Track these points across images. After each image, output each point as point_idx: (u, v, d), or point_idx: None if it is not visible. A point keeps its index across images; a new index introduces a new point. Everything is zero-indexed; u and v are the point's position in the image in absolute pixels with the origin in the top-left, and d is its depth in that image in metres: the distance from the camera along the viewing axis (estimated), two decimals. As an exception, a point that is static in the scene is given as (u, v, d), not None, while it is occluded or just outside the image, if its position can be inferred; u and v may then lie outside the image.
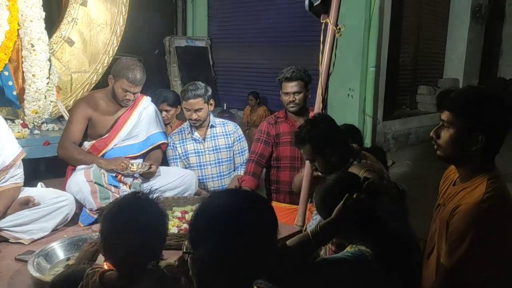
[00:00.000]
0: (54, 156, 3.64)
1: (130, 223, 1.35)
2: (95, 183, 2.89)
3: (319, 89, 2.67)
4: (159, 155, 3.33)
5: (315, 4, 2.72)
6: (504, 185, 1.67)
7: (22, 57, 3.75)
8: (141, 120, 3.25)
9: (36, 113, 3.82)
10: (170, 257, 1.52)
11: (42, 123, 4.02)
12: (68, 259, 2.32)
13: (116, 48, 4.66)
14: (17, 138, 2.84)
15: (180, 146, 3.43)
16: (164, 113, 3.77)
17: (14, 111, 3.94)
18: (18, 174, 2.58)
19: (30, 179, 2.89)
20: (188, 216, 2.67)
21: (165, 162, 3.42)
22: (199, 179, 3.34)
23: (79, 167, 3.03)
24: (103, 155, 3.13)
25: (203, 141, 3.44)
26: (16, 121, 3.86)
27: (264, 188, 3.44)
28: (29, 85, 3.74)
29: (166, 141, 3.37)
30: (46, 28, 3.89)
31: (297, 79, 3.18)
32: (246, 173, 3.27)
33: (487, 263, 1.58)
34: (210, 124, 3.46)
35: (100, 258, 1.95)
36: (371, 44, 6.66)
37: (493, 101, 1.66)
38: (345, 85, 6.61)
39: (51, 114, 4.10)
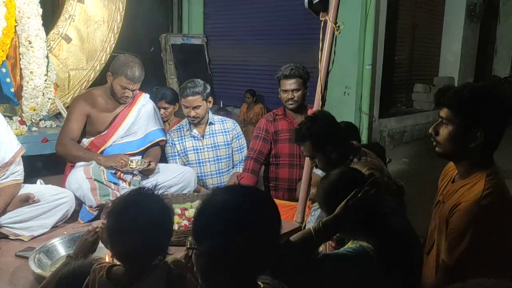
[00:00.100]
0: (51, 153, 3.64)
1: (137, 219, 1.35)
2: (94, 180, 2.89)
3: (318, 87, 2.68)
4: (157, 152, 3.33)
5: (314, 2, 2.73)
6: (502, 181, 1.69)
7: (19, 54, 3.74)
8: (140, 117, 3.26)
9: (34, 110, 3.82)
10: (176, 253, 1.53)
11: (40, 120, 4.01)
12: (68, 255, 2.32)
13: (114, 45, 4.65)
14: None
15: (179, 143, 3.44)
16: (162, 110, 3.77)
17: (12, 108, 3.93)
18: (18, 171, 2.58)
19: (28, 176, 2.89)
20: (188, 213, 2.68)
21: (163, 159, 3.42)
22: (198, 176, 3.34)
23: (78, 164, 3.03)
24: (101, 152, 3.14)
25: (201, 138, 3.44)
26: (14, 118, 3.85)
27: (262, 185, 3.45)
28: (27, 82, 3.74)
29: (164, 138, 3.38)
30: (43, 25, 3.89)
31: (295, 76, 3.19)
32: (245, 170, 3.28)
33: (487, 260, 1.59)
34: (208, 121, 3.47)
35: (99, 250, 1.95)
36: (367, 42, 6.68)
37: (491, 98, 1.67)
38: (342, 83, 6.63)
39: (49, 111, 4.09)
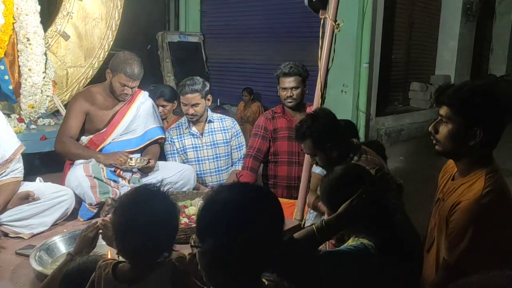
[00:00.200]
0: (49, 151, 3.64)
1: (143, 216, 1.35)
2: (94, 177, 2.88)
3: (318, 84, 2.69)
4: (156, 150, 3.33)
5: (314, 0, 2.74)
6: (502, 179, 1.70)
7: (18, 51, 3.73)
8: (139, 115, 3.25)
9: (33, 107, 3.81)
10: (179, 250, 1.53)
11: (38, 117, 4.00)
12: (69, 253, 2.32)
13: (112, 42, 4.64)
14: (13, 133, 2.83)
15: (178, 141, 3.44)
16: (160, 108, 3.77)
17: (10, 105, 3.92)
18: (18, 168, 2.58)
19: (27, 174, 2.88)
20: (188, 211, 2.68)
21: (162, 157, 3.42)
22: (197, 174, 3.35)
23: (77, 161, 3.02)
24: (100, 150, 3.13)
25: (200, 136, 3.45)
26: (12, 115, 3.84)
27: (261, 183, 3.46)
28: (25, 80, 3.73)
29: (163, 136, 3.38)
30: (41, 22, 3.87)
31: (295, 74, 3.20)
32: (244, 168, 3.29)
33: (488, 258, 1.59)
34: (207, 119, 3.47)
35: (100, 246, 1.96)
36: (364, 41, 6.69)
37: (490, 96, 1.68)
38: (339, 81, 6.64)
39: (47, 109, 4.08)
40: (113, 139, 3.17)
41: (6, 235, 2.57)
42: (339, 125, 2.34)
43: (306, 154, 2.76)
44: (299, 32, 7.24)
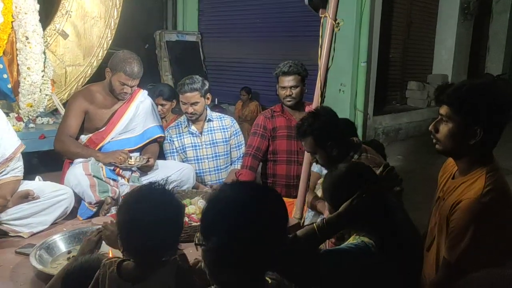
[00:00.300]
0: (48, 150, 3.63)
1: (147, 214, 1.35)
2: (93, 176, 2.88)
3: (318, 83, 2.70)
4: (156, 149, 3.33)
5: (313, -1, 2.74)
6: (503, 177, 1.70)
7: (16, 49, 3.72)
8: (138, 114, 3.25)
9: (31, 106, 3.79)
10: (184, 249, 1.53)
11: (37, 116, 4.00)
12: (69, 252, 2.33)
13: (111, 41, 4.63)
14: (12, 132, 2.83)
15: (177, 140, 3.44)
16: (159, 107, 3.77)
17: (8, 104, 3.90)
18: (18, 167, 2.57)
19: (26, 173, 2.88)
20: (187, 210, 2.68)
21: (162, 155, 3.43)
22: (196, 173, 3.35)
23: (76, 160, 3.02)
24: (100, 149, 3.13)
25: (200, 135, 3.45)
26: (11, 114, 3.82)
27: (260, 182, 3.46)
28: (24, 78, 3.72)
29: (163, 135, 3.38)
30: (40, 21, 3.86)
31: (294, 73, 3.21)
32: (243, 167, 3.29)
33: (488, 257, 1.60)
34: (207, 118, 3.47)
35: (103, 248, 1.97)
36: (362, 40, 6.69)
37: (490, 95, 1.68)
38: (337, 80, 6.64)
39: (46, 108, 4.08)
40: (112, 138, 3.17)
41: (5, 234, 2.57)
42: (339, 124, 2.34)
43: (305, 153, 2.76)
44: (297, 31, 7.24)
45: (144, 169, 3.16)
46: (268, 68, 6.90)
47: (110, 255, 1.76)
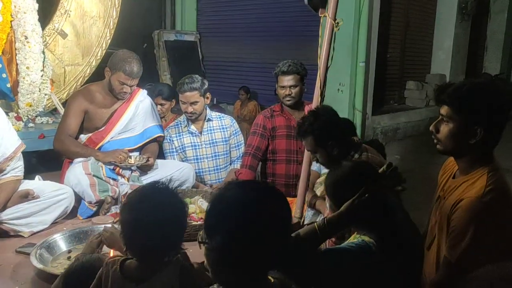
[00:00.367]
0: (47, 150, 3.62)
1: (152, 213, 1.35)
2: (93, 175, 2.89)
3: (317, 82, 2.70)
4: (155, 148, 3.33)
5: (313, -2, 2.74)
6: (503, 177, 1.71)
7: (15, 49, 3.72)
8: (138, 113, 3.25)
9: (30, 106, 3.79)
10: (187, 249, 1.53)
11: (36, 116, 3.99)
12: (69, 251, 2.33)
13: (109, 41, 4.63)
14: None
15: (177, 140, 3.44)
16: (159, 106, 3.77)
17: (7, 104, 3.90)
18: (18, 166, 2.57)
19: (26, 173, 2.88)
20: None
21: (161, 155, 3.43)
22: (195, 172, 3.35)
23: (76, 159, 3.02)
24: (99, 148, 3.13)
25: (199, 135, 3.45)
26: (10, 114, 3.82)
27: (260, 182, 3.47)
28: (23, 78, 3.71)
29: (162, 134, 3.38)
30: (39, 20, 3.86)
31: (293, 72, 3.21)
32: (243, 166, 3.29)
33: (489, 256, 1.60)
34: (206, 118, 3.47)
35: (105, 250, 1.97)
36: (361, 39, 6.69)
37: (490, 95, 1.69)
38: (335, 80, 6.64)
39: (45, 107, 4.07)
40: (112, 137, 3.17)
41: (6, 233, 2.57)
42: (340, 123, 2.34)
43: (305, 152, 2.76)
44: (296, 31, 7.24)
45: (144, 169, 3.16)
46: (266, 68, 6.92)
47: (111, 255, 1.76)
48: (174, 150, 3.44)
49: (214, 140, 3.47)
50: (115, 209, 2.88)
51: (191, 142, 3.44)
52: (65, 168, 3.13)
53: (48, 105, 4.17)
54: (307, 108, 3.22)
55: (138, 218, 1.36)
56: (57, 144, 3.12)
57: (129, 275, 1.38)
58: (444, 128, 1.75)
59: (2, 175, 2.50)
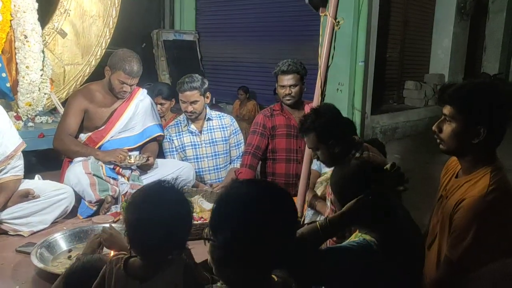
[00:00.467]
0: (47, 149, 3.62)
1: (157, 212, 1.34)
2: (93, 175, 2.88)
3: (318, 81, 2.70)
4: (155, 148, 3.33)
5: (314, -3, 2.74)
6: (506, 177, 1.71)
7: (15, 48, 3.71)
8: (138, 113, 3.25)
9: (30, 105, 3.79)
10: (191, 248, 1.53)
11: (36, 115, 3.99)
12: (70, 250, 2.33)
13: (109, 40, 4.63)
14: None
15: (177, 139, 3.44)
16: (158, 106, 3.77)
17: (7, 103, 3.89)
18: (18, 166, 2.57)
19: (25, 172, 2.87)
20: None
21: (161, 154, 3.42)
22: (195, 172, 3.35)
23: (76, 159, 3.02)
24: (99, 147, 3.13)
25: (199, 134, 3.45)
26: (10, 113, 3.81)
27: (260, 181, 3.47)
28: (23, 77, 3.71)
29: (162, 133, 3.37)
30: (38, 19, 3.85)
31: (293, 72, 3.21)
32: (243, 166, 3.29)
33: (491, 255, 1.61)
34: (206, 117, 3.47)
35: (105, 250, 1.97)
36: (360, 39, 6.69)
37: (492, 95, 1.70)
38: (335, 79, 6.64)
39: (44, 107, 4.07)
40: (112, 137, 3.17)
41: (6, 233, 2.56)
42: (342, 121, 2.34)
43: (306, 151, 2.76)
44: (295, 31, 7.24)
45: (144, 168, 3.16)
46: (265, 67, 6.91)
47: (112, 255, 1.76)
48: (174, 149, 3.43)
49: (214, 139, 3.46)
50: (115, 209, 2.87)
51: (191, 141, 3.43)
52: (65, 168, 3.12)
53: (48, 104, 4.17)
54: (307, 107, 3.23)
55: (143, 216, 1.35)
56: (57, 143, 3.11)
57: (133, 273, 1.38)
58: (447, 128, 1.75)
59: (2, 175, 2.50)
